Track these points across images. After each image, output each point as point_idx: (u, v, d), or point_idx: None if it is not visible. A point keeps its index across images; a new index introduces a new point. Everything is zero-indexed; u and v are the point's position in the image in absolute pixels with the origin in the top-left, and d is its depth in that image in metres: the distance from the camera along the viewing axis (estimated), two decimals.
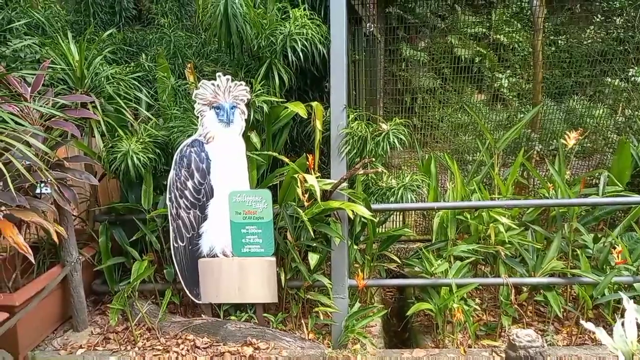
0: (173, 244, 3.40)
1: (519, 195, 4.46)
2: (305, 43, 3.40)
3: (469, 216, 3.67)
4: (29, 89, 2.91)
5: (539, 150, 4.98)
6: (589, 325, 1.64)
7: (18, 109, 2.78)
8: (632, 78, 4.86)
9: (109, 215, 3.71)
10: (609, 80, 5.17)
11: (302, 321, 3.54)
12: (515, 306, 3.50)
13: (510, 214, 3.64)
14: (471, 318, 3.30)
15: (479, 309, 3.65)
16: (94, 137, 3.33)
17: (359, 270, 3.68)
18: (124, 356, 3.24)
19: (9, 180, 2.34)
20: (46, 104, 2.92)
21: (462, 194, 3.71)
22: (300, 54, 3.37)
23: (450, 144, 5.76)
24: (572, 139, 3.70)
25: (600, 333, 1.58)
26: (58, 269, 3.24)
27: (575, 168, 5.22)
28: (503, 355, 3.05)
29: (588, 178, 4.48)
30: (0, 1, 4.13)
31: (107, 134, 3.42)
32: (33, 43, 3.72)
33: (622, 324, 1.58)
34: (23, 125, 2.60)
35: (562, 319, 3.60)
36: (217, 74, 3.20)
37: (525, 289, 3.61)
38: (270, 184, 3.53)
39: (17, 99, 2.93)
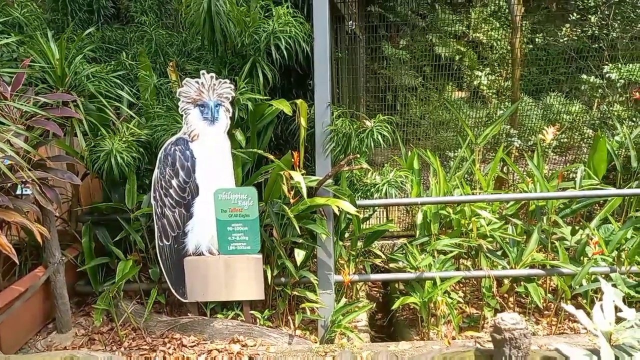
0: (158, 243, 3.38)
1: (500, 190, 4.56)
2: (289, 41, 3.42)
3: (451, 211, 3.75)
4: (9, 87, 2.86)
5: (517, 145, 5.10)
6: (570, 308, 1.70)
7: None
8: (607, 75, 5.01)
9: (92, 216, 3.66)
10: (585, 77, 5.32)
11: (289, 317, 3.56)
12: (497, 298, 3.59)
13: (491, 208, 3.73)
14: (455, 310, 3.37)
15: (462, 301, 3.73)
16: (76, 136, 3.28)
17: (345, 266, 3.72)
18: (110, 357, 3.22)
19: None
20: (27, 103, 2.87)
21: (445, 190, 3.78)
22: (285, 51, 3.39)
23: (432, 140, 5.85)
24: (549, 134, 3.82)
25: (580, 315, 1.65)
26: (41, 270, 3.19)
27: (553, 163, 5.36)
28: (486, 346, 3.13)
29: (565, 172, 4.61)
30: None
31: (90, 133, 3.38)
32: (11, 41, 3.66)
33: (601, 307, 1.65)
34: (4, 124, 2.56)
35: (542, 310, 3.71)
36: (201, 71, 3.20)
37: (506, 281, 3.71)
38: (256, 182, 3.54)
39: None
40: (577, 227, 3.71)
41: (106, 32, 4.79)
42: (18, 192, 3.04)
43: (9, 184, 2.69)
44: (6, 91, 2.84)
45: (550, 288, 3.73)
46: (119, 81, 3.70)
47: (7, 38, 3.44)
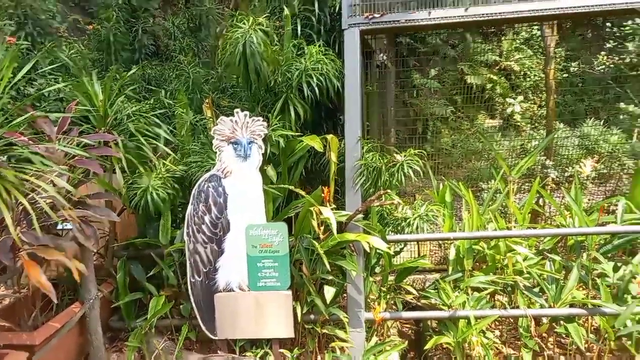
0: (190, 279, 3.42)
1: (535, 224, 4.41)
2: (320, 78, 3.48)
3: (485, 246, 3.65)
4: (55, 129, 3.01)
5: (554, 177, 4.95)
6: None
7: (44, 148, 2.87)
8: None
9: (127, 251, 3.75)
10: (623, 105, 5.16)
11: (319, 356, 3.50)
12: (536, 338, 3.44)
13: (527, 243, 3.62)
14: (491, 351, 3.24)
15: (499, 341, 3.58)
16: (115, 173, 3.40)
17: (376, 302, 3.66)
18: None
19: (34, 219, 2.40)
20: (70, 144, 3.01)
21: (478, 224, 3.69)
22: (316, 88, 3.45)
23: (463, 170, 5.77)
24: (587, 167, 3.70)
25: None
26: (77, 306, 3.26)
27: (591, 194, 5.17)
28: None
29: (605, 205, 4.43)
30: (28, 44, 4.32)
31: (127, 170, 3.49)
32: (56, 82, 3.87)
33: None
34: (48, 166, 2.68)
35: (584, 351, 3.52)
36: (235, 110, 3.29)
37: (545, 320, 3.55)
38: (286, 216, 3.56)
39: (42, 138, 3.04)
40: (619, 264, 3.54)
41: (146, 70, 5.00)
42: (59, 227, 3.15)
43: (49, 222, 2.79)
44: (52, 133, 2.99)
45: (592, 328, 3.54)
46: (157, 119, 3.83)
47: (56, 81, 3.64)
